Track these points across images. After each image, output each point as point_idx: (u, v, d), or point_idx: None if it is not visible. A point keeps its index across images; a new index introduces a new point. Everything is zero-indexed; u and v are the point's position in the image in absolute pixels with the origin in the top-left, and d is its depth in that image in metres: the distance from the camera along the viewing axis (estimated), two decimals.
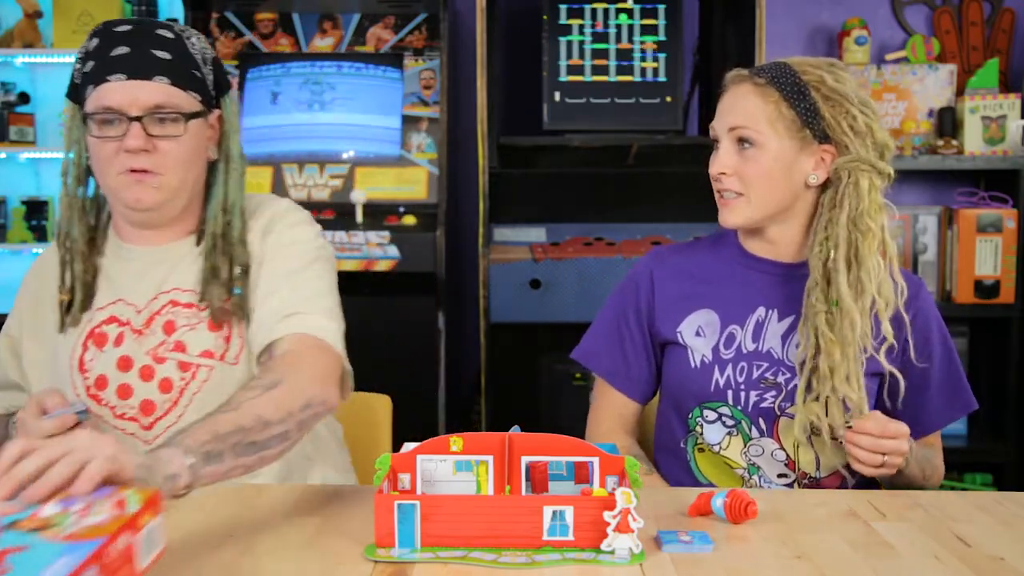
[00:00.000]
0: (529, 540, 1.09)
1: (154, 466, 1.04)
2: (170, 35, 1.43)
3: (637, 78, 3.07)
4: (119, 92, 1.38)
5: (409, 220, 3.02)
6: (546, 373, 2.97)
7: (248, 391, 1.24)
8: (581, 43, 3.07)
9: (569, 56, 3.06)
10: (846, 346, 1.44)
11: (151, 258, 1.51)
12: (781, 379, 1.51)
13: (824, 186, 1.50)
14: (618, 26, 3.07)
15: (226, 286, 1.45)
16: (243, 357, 1.46)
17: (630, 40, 3.07)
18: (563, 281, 2.91)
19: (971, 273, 3.13)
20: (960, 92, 3.27)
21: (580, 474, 1.20)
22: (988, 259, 3.12)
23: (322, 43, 3.23)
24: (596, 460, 1.19)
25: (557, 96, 3.05)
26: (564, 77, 3.06)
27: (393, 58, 3.21)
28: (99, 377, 1.46)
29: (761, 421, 1.51)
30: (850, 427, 1.41)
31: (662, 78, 3.06)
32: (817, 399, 1.45)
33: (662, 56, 3.06)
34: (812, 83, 1.47)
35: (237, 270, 1.46)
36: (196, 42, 1.46)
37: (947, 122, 3.21)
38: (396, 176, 3.07)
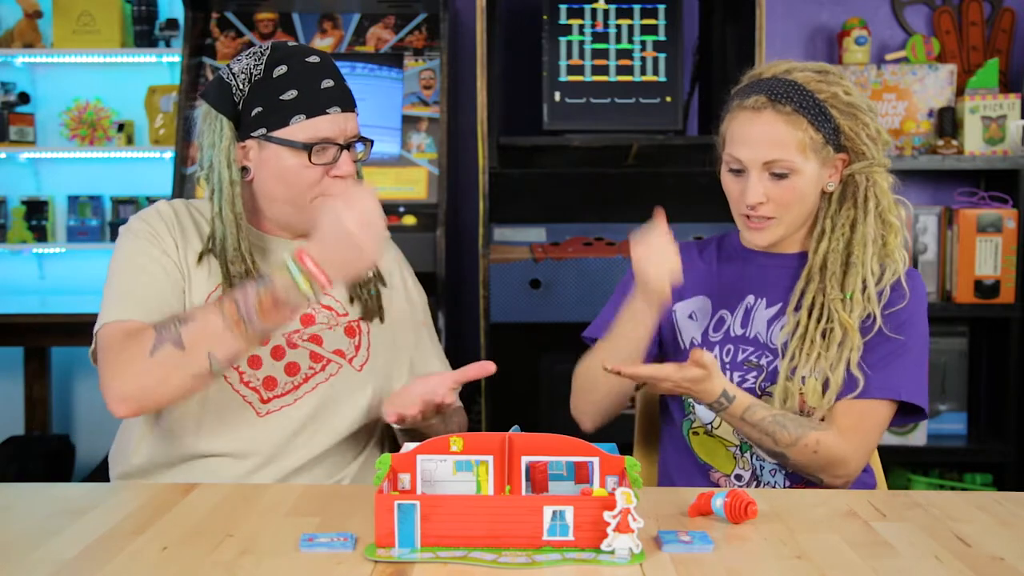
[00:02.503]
0: (529, 540, 1.09)
1: None
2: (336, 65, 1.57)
3: (637, 78, 3.06)
4: (334, 124, 1.50)
5: (409, 220, 3.01)
6: (546, 373, 2.97)
7: None
8: (581, 43, 3.07)
9: (569, 56, 3.06)
10: (855, 332, 1.50)
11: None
12: (764, 361, 1.56)
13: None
14: (618, 26, 3.07)
15: (363, 287, 1.60)
16: (367, 368, 1.59)
17: (630, 40, 3.07)
18: (563, 281, 2.91)
19: (971, 273, 3.13)
20: (960, 92, 3.27)
21: (580, 474, 1.20)
22: (988, 259, 3.12)
23: (322, 43, 3.22)
24: (596, 460, 1.19)
25: (557, 96, 3.05)
26: (564, 77, 3.06)
27: (393, 58, 3.21)
28: None
29: None
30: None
31: (662, 78, 3.06)
32: (802, 379, 1.51)
33: (662, 56, 3.06)
34: (828, 100, 1.52)
35: (370, 273, 1.60)
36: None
37: (947, 122, 3.21)
38: (396, 176, 3.07)
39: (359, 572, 1.05)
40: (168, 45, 3.54)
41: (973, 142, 3.17)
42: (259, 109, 1.49)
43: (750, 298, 1.61)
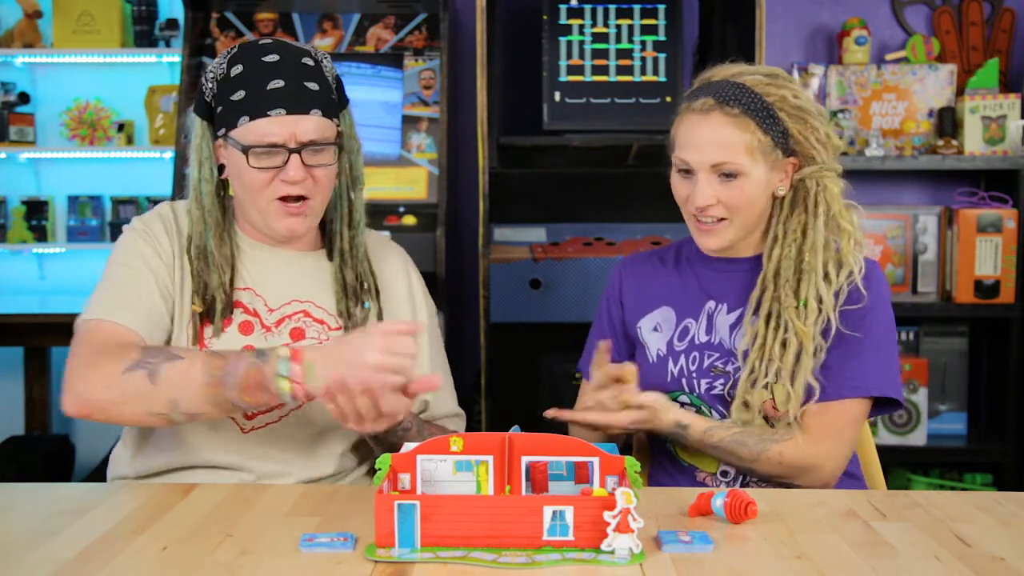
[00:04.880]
0: (529, 540, 1.09)
1: None
2: (311, 63, 1.48)
3: (637, 78, 3.06)
4: (279, 127, 1.43)
5: (409, 220, 3.01)
6: (546, 373, 2.96)
7: None
8: (581, 43, 3.07)
9: (569, 56, 3.06)
10: (809, 340, 1.50)
11: (287, 262, 1.55)
12: (730, 368, 1.56)
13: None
14: (618, 26, 3.07)
15: (356, 299, 1.55)
16: None
17: (630, 40, 3.07)
18: (563, 281, 2.91)
19: (971, 273, 3.12)
20: (960, 92, 3.27)
21: (580, 474, 1.20)
22: (988, 259, 3.12)
23: (322, 43, 3.22)
24: (596, 460, 1.19)
25: (557, 96, 3.05)
26: (564, 77, 3.05)
27: (393, 58, 3.21)
28: None
29: (719, 406, 1.56)
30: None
31: (662, 78, 3.06)
32: (766, 386, 1.50)
33: (662, 56, 3.06)
34: (776, 104, 1.52)
35: (366, 285, 1.56)
36: (327, 64, 1.52)
37: (947, 122, 3.21)
38: (396, 176, 3.07)
39: (359, 572, 1.05)
40: (168, 45, 3.54)
41: (973, 142, 3.17)
42: (220, 108, 1.47)
43: (711, 303, 1.61)
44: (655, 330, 1.64)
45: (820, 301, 1.52)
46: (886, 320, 1.56)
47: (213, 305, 1.49)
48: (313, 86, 1.46)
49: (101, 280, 1.50)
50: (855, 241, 1.54)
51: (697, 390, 1.58)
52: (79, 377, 1.36)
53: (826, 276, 1.52)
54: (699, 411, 1.57)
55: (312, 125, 1.45)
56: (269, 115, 1.43)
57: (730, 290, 1.61)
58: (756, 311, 1.55)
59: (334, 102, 1.50)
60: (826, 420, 1.50)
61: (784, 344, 1.51)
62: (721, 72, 1.56)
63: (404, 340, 1.30)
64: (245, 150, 1.44)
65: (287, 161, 1.44)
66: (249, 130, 1.44)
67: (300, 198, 1.47)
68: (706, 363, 1.58)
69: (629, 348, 1.69)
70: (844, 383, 1.51)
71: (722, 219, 1.54)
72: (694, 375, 1.58)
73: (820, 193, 1.54)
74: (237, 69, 1.46)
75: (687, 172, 1.55)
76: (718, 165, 1.51)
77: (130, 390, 1.33)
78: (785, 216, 1.56)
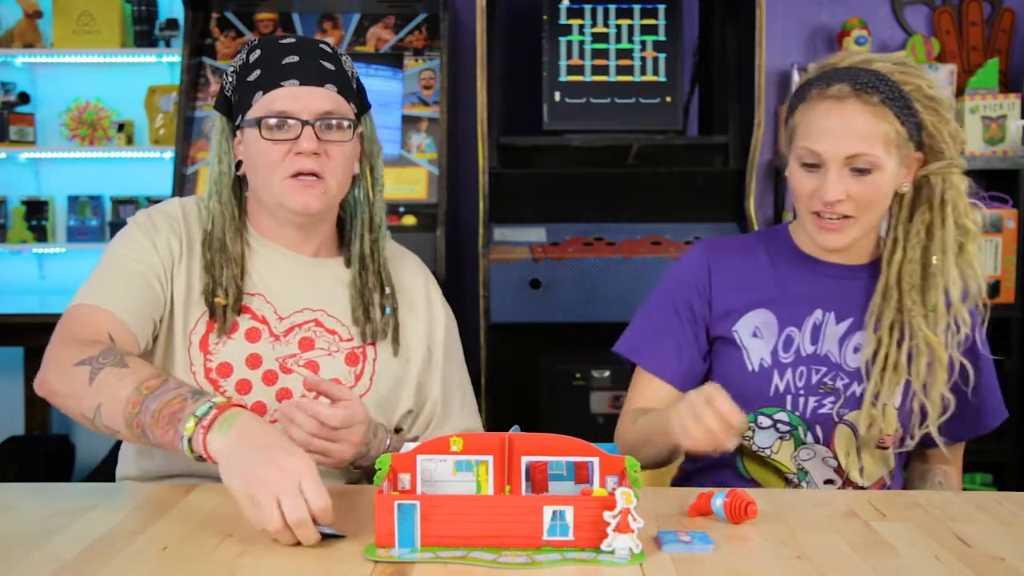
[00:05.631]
0: (529, 540, 1.09)
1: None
2: (329, 50, 1.48)
3: (637, 78, 3.07)
4: (293, 97, 1.42)
5: (409, 220, 3.02)
6: (546, 373, 2.97)
7: None
8: (581, 43, 3.07)
9: (569, 56, 3.06)
10: (942, 348, 1.44)
11: (301, 268, 1.52)
12: (840, 384, 1.48)
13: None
14: (618, 26, 3.07)
15: (375, 306, 1.51)
16: (367, 399, 1.47)
17: (630, 40, 3.07)
18: (563, 281, 2.91)
19: None
20: (960, 92, 3.27)
21: (580, 474, 1.20)
22: (988, 259, 3.12)
23: None
24: (596, 460, 1.19)
25: (557, 96, 3.05)
26: (564, 77, 3.06)
27: (393, 58, 3.21)
28: (224, 363, 1.45)
29: (818, 428, 1.49)
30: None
31: (662, 78, 3.06)
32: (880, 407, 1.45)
33: (662, 56, 3.06)
34: (913, 93, 1.42)
35: (387, 290, 1.52)
36: (347, 61, 1.51)
37: None
38: (396, 176, 3.07)
39: (359, 572, 1.05)
40: (168, 45, 3.55)
41: (973, 142, 3.17)
42: (238, 96, 1.47)
43: (818, 313, 1.50)
44: (755, 335, 1.51)
45: (951, 309, 1.44)
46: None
47: (227, 303, 1.46)
48: (329, 65, 1.45)
49: (96, 267, 1.47)
50: (979, 244, 1.45)
51: (800, 408, 1.49)
52: (46, 359, 1.34)
53: (954, 280, 1.44)
54: (794, 431, 1.49)
55: (326, 98, 1.43)
56: (282, 85, 1.42)
57: (841, 299, 1.50)
58: (877, 325, 1.46)
59: (352, 89, 1.49)
60: (958, 453, 1.55)
61: (910, 356, 1.43)
62: (848, 59, 1.45)
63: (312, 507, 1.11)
64: (258, 123, 1.42)
65: (300, 134, 1.41)
66: (263, 104, 1.43)
67: (314, 176, 1.43)
68: (814, 379, 1.48)
69: (704, 349, 1.57)
70: (997, 410, 1.55)
71: (847, 216, 1.43)
72: (801, 391, 1.48)
73: (948, 190, 1.43)
74: (255, 54, 1.46)
75: (813, 166, 1.43)
76: (853, 157, 1.40)
77: (73, 384, 1.29)
78: (904, 217, 1.45)
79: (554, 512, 1.09)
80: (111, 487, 1.47)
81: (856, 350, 1.49)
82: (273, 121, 1.42)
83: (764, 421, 1.51)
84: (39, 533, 1.18)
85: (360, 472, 1.45)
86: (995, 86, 3.25)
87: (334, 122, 1.44)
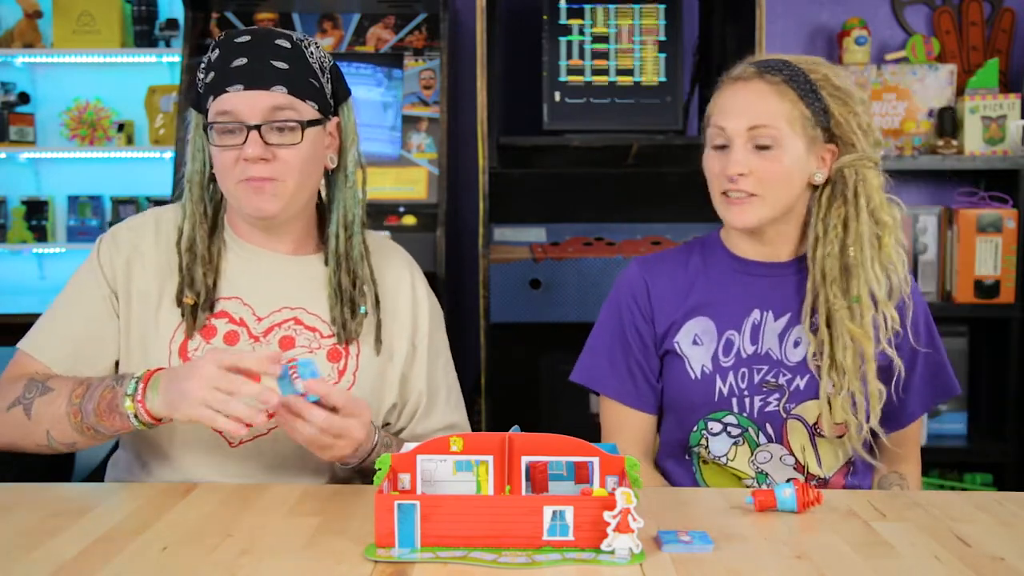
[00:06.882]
0: (529, 540, 1.09)
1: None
2: (288, 45, 1.44)
3: (637, 78, 3.07)
4: (237, 101, 1.39)
5: (409, 220, 3.01)
6: (546, 373, 2.97)
7: None
8: (581, 43, 3.07)
9: (569, 56, 3.06)
10: (868, 340, 1.45)
11: (278, 266, 1.50)
12: (783, 380, 1.50)
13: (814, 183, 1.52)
14: (618, 26, 3.07)
15: (351, 305, 1.48)
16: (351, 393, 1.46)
17: (630, 40, 3.07)
18: (563, 281, 2.91)
19: (971, 273, 3.12)
20: (960, 92, 3.27)
21: (580, 474, 1.20)
22: (988, 259, 3.12)
23: (322, 43, 3.22)
24: (596, 460, 1.19)
25: (557, 96, 3.05)
26: (564, 77, 3.06)
27: (393, 58, 3.21)
28: None
29: (768, 426, 1.51)
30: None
31: (662, 78, 3.06)
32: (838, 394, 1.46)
33: (662, 56, 3.06)
34: (819, 81, 1.47)
35: (364, 289, 1.50)
36: (315, 51, 1.47)
37: (947, 122, 3.21)
38: (396, 176, 3.07)
39: (359, 572, 1.05)
40: (168, 45, 3.55)
41: (973, 142, 3.17)
42: (199, 97, 1.46)
43: (756, 312, 1.53)
44: (695, 343, 1.54)
45: (877, 301, 1.46)
46: (931, 319, 1.57)
47: (196, 302, 1.45)
48: (281, 64, 1.41)
49: (51, 304, 1.53)
50: (898, 236, 1.48)
51: (748, 409, 1.50)
52: None
53: (875, 273, 1.46)
54: (745, 433, 1.50)
55: (272, 101, 1.39)
56: (227, 91, 1.39)
57: (776, 296, 1.53)
58: (813, 322, 1.48)
59: (313, 86, 1.44)
60: (914, 436, 1.56)
61: (845, 348, 1.45)
62: (762, 56, 1.53)
63: (232, 378, 1.24)
64: (207, 129, 1.42)
65: (246, 140, 1.39)
66: (213, 108, 1.41)
67: (264, 180, 1.41)
68: (757, 378, 1.50)
69: (656, 367, 1.59)
70: (935, 396, 1.56)
71: (753, 195, 1.47)
72: (746, 393, 1.50)
73: (860, 184, 1.47)
74: (215, 54, 1.44)
75: (721, 147, 1.49)
76: (755, 129, 1.45)
77: (13, 427, 1.40)
78: (824, 212, 1.49)
79: (554, 512, 1.09)
80: (111, 487, 1.47)
81: (796, 344, 1.51)
82: (221, 127, 1.40)
83: (715, 427, 1.52)
84: (39, 533, 1.18)
85: (350, 470, 1.44)
86: (995, 86, 3.24)
87: (284, 125, 1.41)
